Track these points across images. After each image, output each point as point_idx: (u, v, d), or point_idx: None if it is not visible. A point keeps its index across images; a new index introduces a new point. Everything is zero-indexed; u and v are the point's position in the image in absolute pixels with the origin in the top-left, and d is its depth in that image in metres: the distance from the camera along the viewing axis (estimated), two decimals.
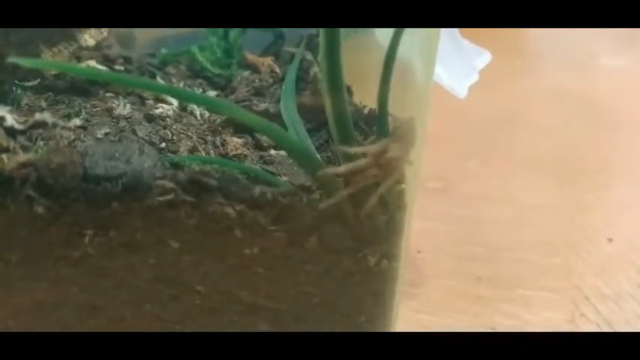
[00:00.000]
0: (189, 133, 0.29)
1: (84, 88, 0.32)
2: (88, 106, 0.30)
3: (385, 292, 0.27)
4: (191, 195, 0.25)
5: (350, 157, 0.25)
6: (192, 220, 0.25)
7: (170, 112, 0.31)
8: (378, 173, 0.24)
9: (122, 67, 0.35)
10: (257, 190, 0.25)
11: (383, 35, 0.27)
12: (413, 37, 0.27)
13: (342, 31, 0.24)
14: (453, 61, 0.34)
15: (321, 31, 0.24)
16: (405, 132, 0.24)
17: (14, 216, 0.25)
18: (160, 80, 0.34)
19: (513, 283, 0.42)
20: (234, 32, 0.35)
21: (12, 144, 0.26)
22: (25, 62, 0.22)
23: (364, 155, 0.24)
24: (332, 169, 0.25)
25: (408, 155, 0.25)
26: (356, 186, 0.24)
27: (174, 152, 0.28)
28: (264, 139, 0.30)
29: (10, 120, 0.27)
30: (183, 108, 0.31)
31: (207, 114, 0.31)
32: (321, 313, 0.28)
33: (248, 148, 0.29)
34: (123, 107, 0.30)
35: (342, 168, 0.24)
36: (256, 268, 0.27)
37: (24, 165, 0.25)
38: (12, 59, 0.21)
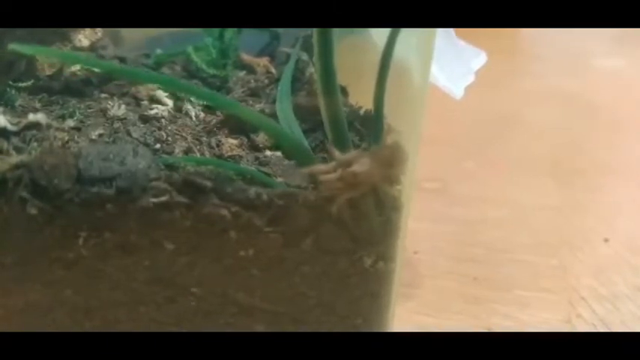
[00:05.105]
0: (184, 134, 0.29)
1: (78, 88, 0.32)
2: (83, 107, 0.30)
3: (382, 293, 0.27)
4: (186, 196, 0.25)
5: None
6: (187, 222, 0.25)
7: (165, 113, 0.30)
8: (341, 185, 0.24)
9: (120, 66, 0.34)
10: (252, 191, 0.25)
11: (379, 35, 0.27)
12: (409, 38, 0.27)
13: (338, 31, 0.24)
14: (450, 61, 0.34)
15: (315, 31, 0.24)
16: (384, 151, 0.24)
17: (7, 218, 0.25)
18: None
19: (510, 283, 0.42)
20: (229, 33, 0.35)
21: (5, 145, 0.26)
22: (26, 49, 0.22)
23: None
24: (305, 170, 0.24)
25: (389, 175, 0.24)
26: (322, 192, 0.24)
27: (169, 153, 0.28)
28: (260, 140, 0.30)
29: (3, 121, 0.27)
30: (178, 109, 0.31)
31: (202, 115, 0.31)
32: (317, 314, 0.28)
33: (243, 149, 0.29)
34: (117, 108, 0.30)
35: (307, 170, 0.24)
36: (252, 269, 0.26)
37: (17, 166, 0.24)
38: (12, 46, 0.21)
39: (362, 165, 0.23)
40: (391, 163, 0.24)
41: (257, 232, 0.25)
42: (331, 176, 0.23)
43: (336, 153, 0.24)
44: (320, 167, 0.24)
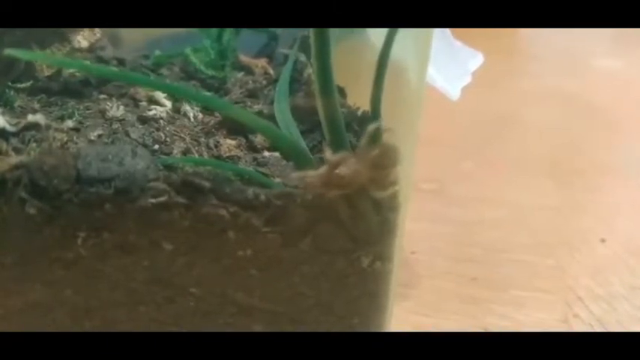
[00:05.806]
0: (182, 135, 0.29)
1: (77, 89, 0.32)
2: (81, 107, 0.30)
3: (379, 293, 0.27)
4: (184, 197, 0.25)
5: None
6: (185, 222, 0.25)
7: (163, 114, 0.31)
8: (326, 188, 0.23)
9: (116, 69, 0.34)
10: (250, 191, 0.25)
11: (377, 36, 0.27)
12: (406, 39, 0.27)
13: (336, 31, 0.24)
14: (446, 62, 0.34)
15: (312, 31, 0.24)
16: (374, 152, 0.23)
17: (7, 218, 0.25)
18: None
19: (507, 284, 0.43)
20: (227, 34, 0.35)
21: (4, 146, 0.26)
22: (21, 54, 0.22)
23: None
24: (299, 175, 0.24)
25: (378, 176, 0.23)
26: (308, 194, 0.24)
27: (168, 154, 0.28)
28: (258, 141, 0.30)
29: (2, 122, 0.27)
30: (176, 110, 0.31)
31: (200, 116, 0.31)
32: (315, 314, 0.28)
33: (242, 150, 0.29)
34: (116, 109, 0.30)
35: (294, 175, 0.24)
36: (250, 269, 0.26)
37: (16, 167, 0.25)
38: (8, 51, 0.21)
39: (349, 166, 0.23)
40: (382, 164, 0.23)
41: (255, 232, 0.25)
42: (315, 180, 0.23)
43: (328, 154, 0.23)
44: (311, 173, 0.24)
